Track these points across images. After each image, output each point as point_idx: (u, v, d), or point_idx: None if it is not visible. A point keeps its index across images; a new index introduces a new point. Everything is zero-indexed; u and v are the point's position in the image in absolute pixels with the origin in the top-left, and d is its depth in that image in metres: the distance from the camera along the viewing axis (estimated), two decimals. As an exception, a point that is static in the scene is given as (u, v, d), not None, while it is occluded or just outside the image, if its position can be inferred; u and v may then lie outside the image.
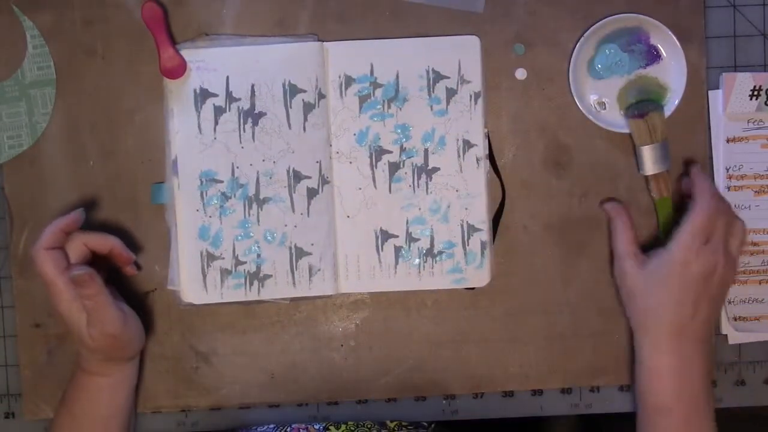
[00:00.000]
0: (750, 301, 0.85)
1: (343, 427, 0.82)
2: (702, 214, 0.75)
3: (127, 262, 0.79)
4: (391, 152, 0.83)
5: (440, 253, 0.83)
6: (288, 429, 0.82)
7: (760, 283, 0.85)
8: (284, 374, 0.84)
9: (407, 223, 0.83)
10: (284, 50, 0.82)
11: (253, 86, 0.82)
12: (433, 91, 0.82)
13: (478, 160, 0.83)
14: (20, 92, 0.82)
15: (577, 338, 0.84)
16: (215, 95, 0.82)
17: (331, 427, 0.82)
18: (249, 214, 0.82)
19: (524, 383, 0.85)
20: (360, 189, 0.83)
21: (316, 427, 0.82)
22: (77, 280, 0.72)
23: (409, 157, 0.83)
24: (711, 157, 0.84)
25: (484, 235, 0.83)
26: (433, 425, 0.84)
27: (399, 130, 0.83)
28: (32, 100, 0.83)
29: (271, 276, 0.83)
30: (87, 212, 0.80)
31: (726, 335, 0.85)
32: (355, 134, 0.83)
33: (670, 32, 0.81)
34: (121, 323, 0.75)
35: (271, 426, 0.82)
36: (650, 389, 0.76)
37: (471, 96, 0.82)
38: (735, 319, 0.85)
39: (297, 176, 0.82)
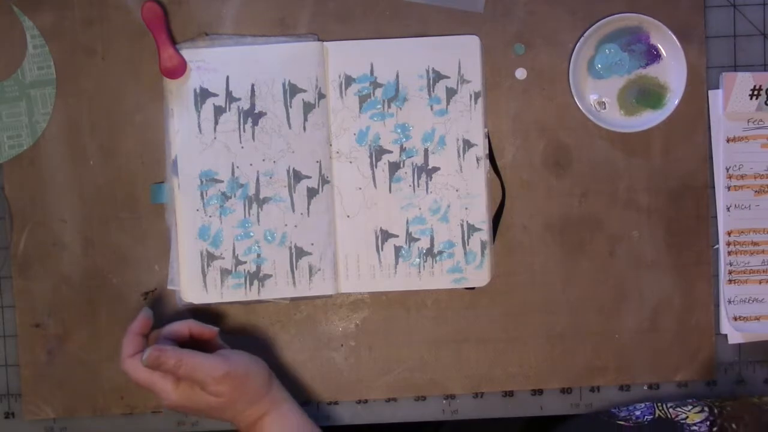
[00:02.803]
0: (750, 301, 0.85)
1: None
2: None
3: (211, 335, 0.77)
4: (391, 152, 0.83)
5: (440, 253, 0.83)
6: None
7: (760, 283, 0.85)
8: (284, 374, 0.84)
9: (407, 222, 0.83)
10: (284, 50, 0.82)
11: (253, 86, 0.82)
12: (433, 91, 0.82)
13: (478, 159, 0.83)
14: (20, 92, 0.82)
15: (577, 338, 0.84)
16: (215, 95, 0.82)
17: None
18: (249, 214, 0.82)
19: (524, 383, 0.85)
20: (360, 189, 0.83)
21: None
22: (150, 363, 0.71)
23: (409, 157, 0.83)
24: (711, 157, 0.84)
25: (484, 235, 0.83)
26: None
27: (399, 130, 0.83)
28: (32, 100, 0.83)
29: (271, 276, 0.83)
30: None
31: (726, 335, 0.85)
32: (355, 134, 0.83)
33: (670, 32, 0.81)
34: (222, 362, 0.73)
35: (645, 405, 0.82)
36: None
37: (471, 96, 0.82)
38: (735, 319, 0.85)
39: (297, 176, 0.82)
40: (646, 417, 0.81)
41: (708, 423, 0.78)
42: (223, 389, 0.72)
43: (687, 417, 0.79)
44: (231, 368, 0.73)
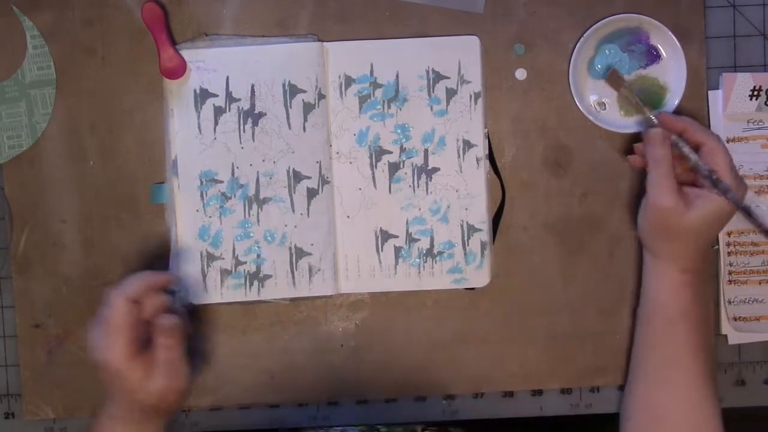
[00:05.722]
0: (750, 301, 0.85)
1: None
2: (725, 152, 0.76)
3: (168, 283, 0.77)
4: (391, 152, 0.83)
5: (440, 253, 0.83)
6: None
7: (760, 283, 0.85)
8: (284, 375, 0.84)
9: (407, 223, 0.83)
10: (284, 50, 0.82)
11: (253, 86, 0.82)
12: (433, 92, 0.82)
13: (478, 160, 0.83)
14: (20, 92, 0.82)
15: (577, 338, 0.84)
16: (215, 95, 0.82)
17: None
18: (249, 215, 0.83)
19: (524, 383, 0.85)
20: (360, 189, 0.83)
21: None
22: (165, 329, 0.71)
23: (409, 158, 0.83)
24: (711, 157, 0.84)
25: (484, 235, 0.83)
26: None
27: (399, 131, 0.83)
28: (32, 100, 0.83)
29: (271, 276, 0.83)
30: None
31: (726, 335, 0.85)
32: (355, 134, 0.83)
33: (670, 32, 0.81)
34: (188, 378, 0.73)
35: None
36: (675, 299, 0.78)
37: (471, 96, 0.82)
38: (735, 319, 0.85)
39: (297, 176, 0.82)
40: None
41: None
42: (159, 395, 0.71)
43: None
44: (186, 388, 0.73)
